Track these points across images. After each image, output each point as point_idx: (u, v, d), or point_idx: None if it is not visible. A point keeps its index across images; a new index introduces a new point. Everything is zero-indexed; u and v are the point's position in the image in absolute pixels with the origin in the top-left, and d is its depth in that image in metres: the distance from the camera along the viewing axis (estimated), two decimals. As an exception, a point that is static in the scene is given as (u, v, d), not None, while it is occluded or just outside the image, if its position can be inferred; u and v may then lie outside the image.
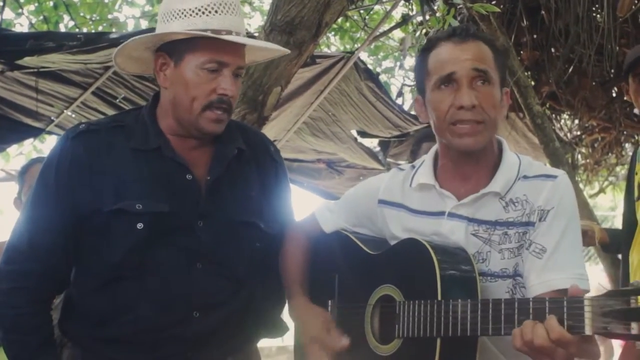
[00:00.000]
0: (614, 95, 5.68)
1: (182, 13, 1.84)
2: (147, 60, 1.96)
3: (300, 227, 2.10)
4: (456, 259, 1.70)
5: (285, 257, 2.06)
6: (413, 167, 1.92)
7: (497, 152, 1.81)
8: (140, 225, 1.82)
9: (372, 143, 6.76)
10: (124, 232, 1.82)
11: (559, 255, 1.66)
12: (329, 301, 1.96)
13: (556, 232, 1.68)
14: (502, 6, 5.17)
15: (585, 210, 5.28)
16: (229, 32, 1.84)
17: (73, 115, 5.19)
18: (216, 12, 1.84)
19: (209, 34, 1.81)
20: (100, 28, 7.83)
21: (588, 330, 1.37)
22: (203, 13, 1.83)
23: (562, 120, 6.63)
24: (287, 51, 2.10)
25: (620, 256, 3.08)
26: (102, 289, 1.85)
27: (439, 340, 1.61)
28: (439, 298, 1.62)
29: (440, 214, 1.79)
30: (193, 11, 1.84)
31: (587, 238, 3.28)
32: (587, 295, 1.41)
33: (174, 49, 1.87)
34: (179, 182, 1.88)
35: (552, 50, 5.46)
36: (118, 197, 1.82)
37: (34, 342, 1.85)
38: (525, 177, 1.75)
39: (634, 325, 1.29)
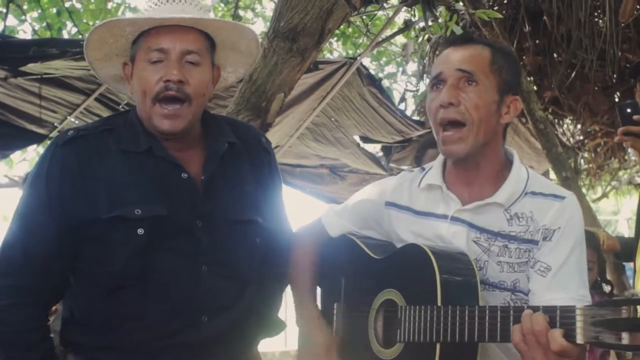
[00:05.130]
0: (616, 99, 5.68)
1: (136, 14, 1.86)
2: None
3: (306, 232, 2.10)
4: (457, 264, 1.70)
5: (294, 264, 2.05)
6: (423, 169, 1.93)
7: (504, 162, 1.82)
8: (140, 231, 1.78)
9: (375, 148, 6.76)
10: (125, 239, 1.78)
11: (563, 274, 1.67)
12: (335, 304, 1.98)
13: (562, 252, 1.69)
14: (504, 12, 5.19)
15: (589, 215, 5.28)
16: (169, 19, 1.80)
17: (76, 122, 5.20)
18: (156, 5, 1.82)
19: (133, 16, 1.82)
20: (103, 34, 7.85)
21: (580, 339, 1.39)
22: (147, 10, 1.83)
23: (565, 125, 6.64)
24: (251, 31, 1.99)
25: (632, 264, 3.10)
26: (106, 297, 1.82)
27: (438, 346, 1.62)
28: (439, 304, 1.63)
29: (444, 216, 1.80)
30: (144, 9, 1.84)
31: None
32: (580, 305, 1.43)
33: (132, 54, 1.86)
34: (175, 182, 1.85)
35: (555, 55, 5.47)
36: (115, 204, 1.79)
37: (36, 358, 1.82)
38: (533, 193, 1.76)
39: (624, 335, 1.31)
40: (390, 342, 1.77)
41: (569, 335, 1.40)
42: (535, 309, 1.48)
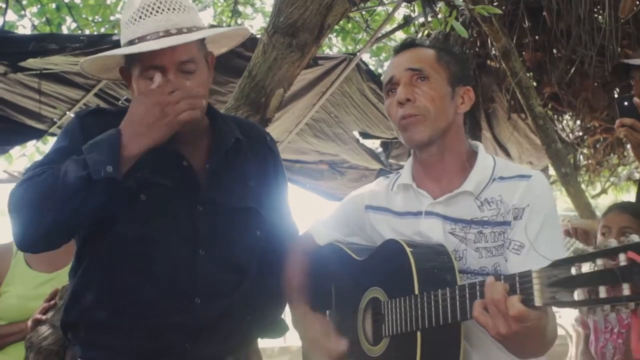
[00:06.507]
0: (615, 96, 5.68)
1: (124, 25, 1.87)
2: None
3: (297, 244, 2.14)
4: (432, 252, 1.74)
5: (286, 272, 2.10)
6: (397, 173, 2.00)
7: (469, 154, 1.88)
8: (143, 197, 1.84)
9: (374, 144, 6.76)
10: (127, 203, 1.82)
11: (537, 249, 1.70)
12: (327, 312, 2.01)
13: (534, 228, 1.72)
14: (504, 7, 5.18)
15: (588, 211, 5.28)
16: (156, 34, 1.79)
17: (75, 117, 5.19)
18: (140, 17, 1.82)
19: (124, 49, 1.82)
20: (102, 30, 7.85)
21: (538, 302, 1.40)
22: (132, 23, 1.83)
23: (564, 121, 6.63)
24: (245, 29, 2.06)
25: None
26: (104, 270, 1.85)
27: (419, 334, 1.64)
28: (416, 292, 1.65)
29: (419, 213, 1.85)
30: (127, 22, 1.85)
31: (591, 237, 3.29)
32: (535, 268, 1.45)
33: (127, 63, 1.90)
34: (176, 169, 1.90)
35: (554, 51, 5.46)
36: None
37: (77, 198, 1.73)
38: (501, 178, 1.81)
39: (577, 292, 1.31)
40: (378, 339, 1.80)
41: (528, 299, 1.42)
42: (497, 278, 1.50)
